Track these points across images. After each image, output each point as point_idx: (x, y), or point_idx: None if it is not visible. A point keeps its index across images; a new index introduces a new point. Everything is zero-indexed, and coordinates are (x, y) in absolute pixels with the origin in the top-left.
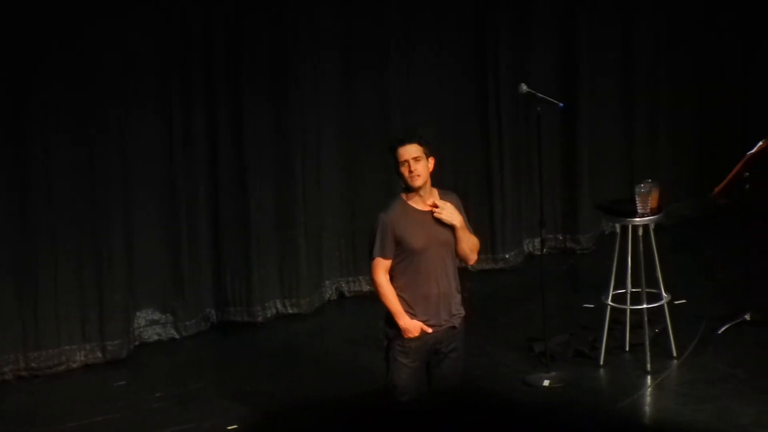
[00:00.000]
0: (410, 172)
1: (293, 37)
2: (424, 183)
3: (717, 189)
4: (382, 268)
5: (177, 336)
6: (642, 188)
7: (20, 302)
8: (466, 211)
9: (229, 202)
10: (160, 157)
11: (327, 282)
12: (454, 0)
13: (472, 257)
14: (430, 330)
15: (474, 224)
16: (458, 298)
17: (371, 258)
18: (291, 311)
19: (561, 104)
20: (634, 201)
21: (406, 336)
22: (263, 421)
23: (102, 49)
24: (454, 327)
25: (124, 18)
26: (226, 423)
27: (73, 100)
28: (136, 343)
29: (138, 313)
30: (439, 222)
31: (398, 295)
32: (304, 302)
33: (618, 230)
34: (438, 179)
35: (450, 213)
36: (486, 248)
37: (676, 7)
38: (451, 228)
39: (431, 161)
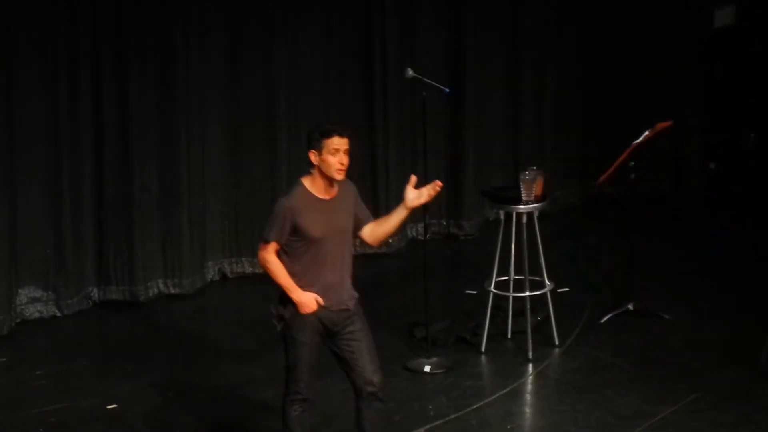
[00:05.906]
0: (341, 163)
1: (181, 17)
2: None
3: (602, 177)
4: (272, 248)
5: (58, 314)
6: (527, 175)
7: None
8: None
9: (114, 181)
10: (45, 132)
11: (209, 263)
12: None
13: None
14: (322, 302)
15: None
16: (350, 282)
17: (265, 240)
18: (173, 291)
19: (447, 89)
20: (519, 188)
21: (302, 311)
22: (143, 401)
23: None
24: (347, 309)
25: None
26: (105, 402)
27: None
28: (18, 320)
29: (20, 290)
30: (338, 211)
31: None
32: (186, 282)
33: (502, 217)
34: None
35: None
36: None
37: None
38: (350, 217)
39: None
